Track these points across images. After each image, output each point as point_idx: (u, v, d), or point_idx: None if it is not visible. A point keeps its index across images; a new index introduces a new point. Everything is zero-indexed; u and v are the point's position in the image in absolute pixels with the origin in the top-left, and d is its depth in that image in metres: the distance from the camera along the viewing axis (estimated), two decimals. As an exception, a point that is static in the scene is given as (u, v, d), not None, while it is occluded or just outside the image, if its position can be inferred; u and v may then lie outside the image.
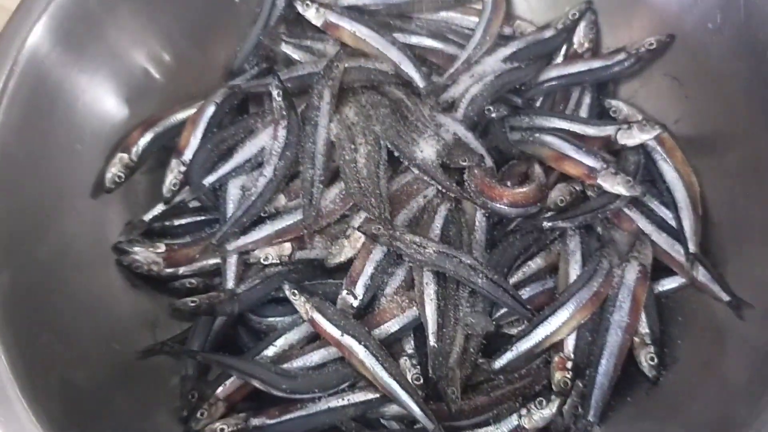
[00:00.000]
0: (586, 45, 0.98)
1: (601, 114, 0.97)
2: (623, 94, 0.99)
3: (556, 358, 0.82)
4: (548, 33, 0.98)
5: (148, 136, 0.92)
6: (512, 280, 0.87)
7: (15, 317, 0.70)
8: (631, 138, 0.89)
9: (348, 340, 0.79)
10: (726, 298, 0.81)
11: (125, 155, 0.90)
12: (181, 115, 0.94)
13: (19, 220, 0.76)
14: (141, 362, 0.83)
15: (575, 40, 0.98)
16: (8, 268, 0.73)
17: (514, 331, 0.86)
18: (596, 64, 0.96)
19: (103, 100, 0.88)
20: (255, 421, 0.81)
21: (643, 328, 0.84)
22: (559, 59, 1.00)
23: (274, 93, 0.89)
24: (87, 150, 0.87)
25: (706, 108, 0.90)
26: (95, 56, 0.85)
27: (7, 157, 0.76)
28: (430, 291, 0.82)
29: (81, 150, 0.86)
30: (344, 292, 0.84)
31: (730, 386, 0.75)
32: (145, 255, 0.88)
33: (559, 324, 0.81)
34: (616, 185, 0.85)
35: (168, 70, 0.95)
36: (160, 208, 0.93)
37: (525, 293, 0.85)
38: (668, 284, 0.87)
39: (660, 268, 0.87)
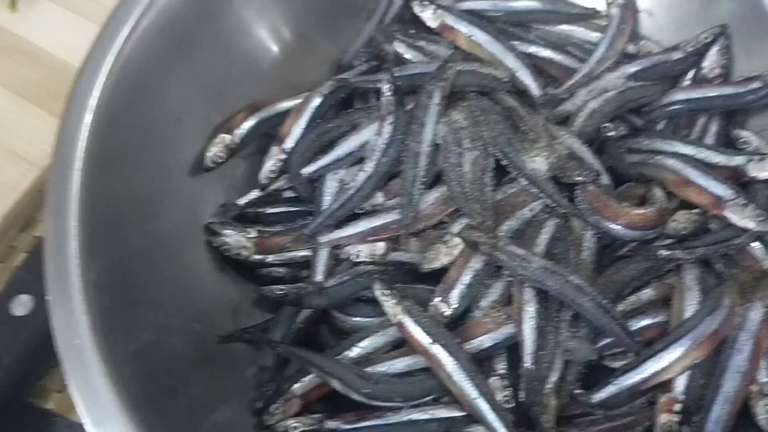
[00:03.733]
0: (717, 71, 0.92)
1: (728, 144, 0.90)
2: (753, 126, 0.91)
3: (663, 399, 0.74)
4: (677, 54, 0.92)
5: (252, 120, 0.90)
6: (619, 309, 0.80)
7: (106, 283, 0.69)
8: (764, 171, 0.82)
9: (437, 350, 0.74)
10: None
11: (228, 136, 0.89)
12: (286, 104, 0.92)
13: (128, 193, 0.76)
14: (220, 347, 0.81)
15: (705, 64, 0.92)
16: (115, 237, 0.72)
17: (616, 364, 0.79)
18: (728, 90, 0.89)
19: (211, 80, 0.87)
20: (330, 424, 0.76)
21: (763, 376, 0.75)
22: (686, 83, 0.94)
23: (385, 87, 0.86)
24: (190, 127, 0.87)
25: None
26: (222, 20, 0.84)
27: (119, 126, 0.75)
28: (530, 309, 0.76)
29: (185, 126, 0.86)
30: (437, 299, 0.79)
31: None
32: (235, 238, 0.85)
33: (672, 360, 0.73)
34: (744, 218, 0.78)
35: (278, 58, 0.94)
36: (255, 194, 0.91)
37: (633, 325, 0.78)
38: (795, 334, 0.79)
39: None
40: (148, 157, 0.80)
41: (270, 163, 0.90)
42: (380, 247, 0.84)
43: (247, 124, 0.90)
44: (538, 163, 0.83)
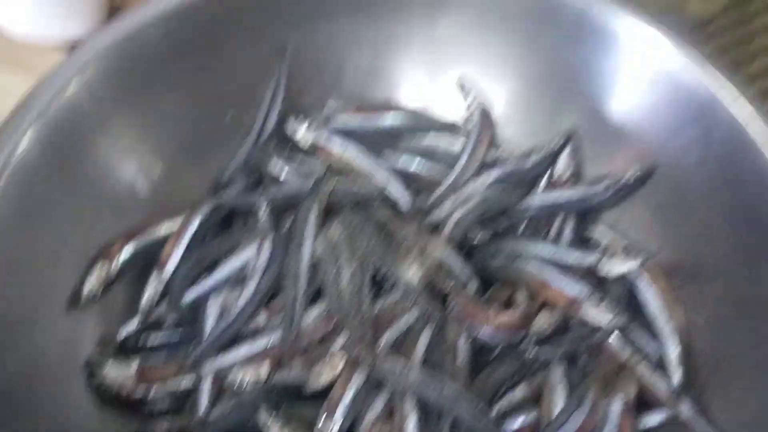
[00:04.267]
0: (568, 173, 1.00)
1: (583, 241, 0.98)
2: (605, 222, 1.00)
3: (540, 500, 0.79)
4: (531, 160, 1.00)
5: (129, 248, 0.90)
6: (495, 410, 0.84)
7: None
8: (614, 267, 0.89)
9: (324, 474, 0.76)
10: (713, 436, 0.80)
11: (105, 267, 0.88)
12: (164, 228, 0.93)
13: None
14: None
15: (558, 168, 1.01)
16: None
17: (497, 467, 0.82)
18: (578, 192, 0.98)
19: (88, 211, 0.87)
20: None
21: (629, 467, 0.81)
22: (542, 186, 1.02)
23: (261, 209, 0.89)
24: (68, 260, 0.86)
25: (687, 238, 0.91)
26: (84, 168, 0.85)
27: None
28: (411, 420, 0.79)
29: (62, 260, 0.85)
30: (323, 418, 0.80)
31: None
32: (116, 374, 0.84)
33: (544, 460, 0.78)
34: (599, 315, 0.85)
35: (156, 183, 0.95)
36: (136, 323, 0.90)
37: (509, 425, 0.83)
38: (653, 420, 0.84)
39: (645, 402, 0.85)
40: (18, 298, 0.79)
41: (151, 290, 0.90)
42: (264, 369, 0.85)
43: (125, 253, 0.90)
44: (411, 274, 0.88)
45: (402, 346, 0.87)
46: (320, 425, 0.80)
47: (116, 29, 0.86)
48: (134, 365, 0.85)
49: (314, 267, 0.88)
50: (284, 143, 1.03)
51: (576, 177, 1.01)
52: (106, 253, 0.89)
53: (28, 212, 0.78)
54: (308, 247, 0.89)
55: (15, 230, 0.77)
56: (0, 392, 0.73)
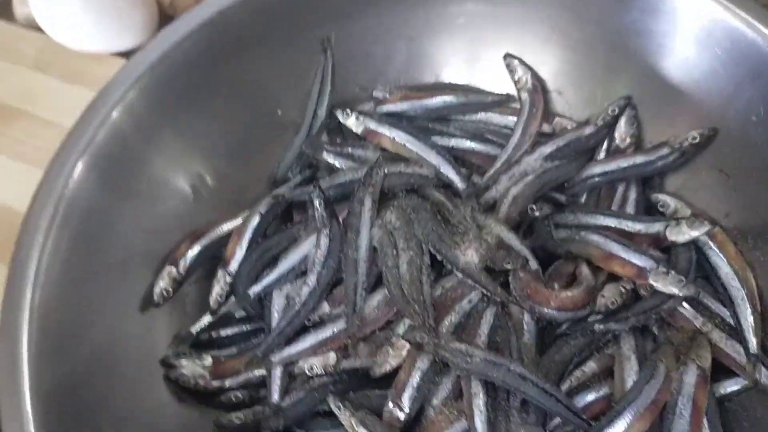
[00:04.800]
0: (628, 140, 0.97)
1: (648, 209, 0.95)
2: (670, 187, 0.97)
3: (616, 474, 0.77)
4: (588, 129, 0.98)
5: (195, 249, 0.94)
6: (565, 386, 0.83)
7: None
8: (681, 234, 0.87)
9: (394, 458, 0.77)
10: (795, 402, 0.77)
11: (173, 268, 0.92)
12: (227, 226, 0.96)
13: (67, 337, 0.77)
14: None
15: (616, 135, 0.98)
16: (52, 381, 0.73)
17: (569, 443, 0.82)
18: (639, 159, 0.95)
19: (150, 221, 0.90)
20: None
21: (707, 436, 0.79)
22: (602, 155, 0.99)
23: (316, 202, 0.90)
24: (136, 266, 0.89)
25: (756, 200, 0.88)
26: (138, 185, 0.88)
27: (54, 279, 0.77)
28: (479, 401, 0.79)
29: (132, 266, 0.89)
30: (390, 404, 0.81)
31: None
32: (191, 368, 0.88)
33: (617, 435, 0.77)
34: (668, 285, 0.82)
35: (213, 185, 0.98)
36: (207, 319, 0.93)
37: (580, 401, 0.82)
38: (730, 386, 0.82)
39: (721, 369, 0.83)
40: (98, 307, 0.82)
41: (218, 287, 0.93)
42: (332, 357, 0.87)
43: (191, 253, 0.93)
44: (470, 255, 0.87)
45: (466, 328, 0.87)
46: (388, 409, 0.81)
47: (153, 47, 0.87)
48: (208, 359, 0.88)
49: (374, 253, 0.89)
50: (335, 134, 1.04)
51: (636, 143, 0.98)
52: (174, 254, 0.93)
53: (90, 232, 0.82)
54: (366, 235, 0.89)
55: (80, 247, 0.80)
56: (79, 395, 0.77)
